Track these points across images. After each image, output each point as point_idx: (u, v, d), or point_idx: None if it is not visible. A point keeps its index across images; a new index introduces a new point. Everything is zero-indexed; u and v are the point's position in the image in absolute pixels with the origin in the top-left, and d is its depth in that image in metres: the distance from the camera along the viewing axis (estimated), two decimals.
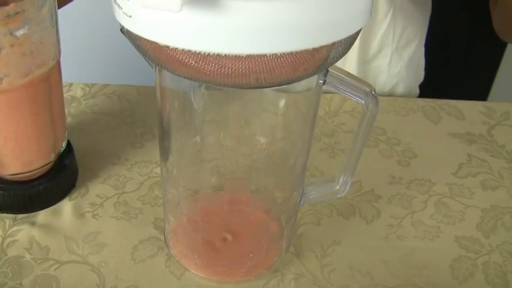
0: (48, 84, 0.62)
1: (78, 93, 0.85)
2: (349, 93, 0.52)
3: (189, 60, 0.41)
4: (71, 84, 0.87)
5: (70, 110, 0.82)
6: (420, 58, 0.99)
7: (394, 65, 0.95)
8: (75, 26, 1.86)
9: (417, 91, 1.01)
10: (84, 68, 1.97)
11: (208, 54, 0.39)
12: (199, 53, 0.40)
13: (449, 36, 1.05)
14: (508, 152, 0.81)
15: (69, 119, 0.80)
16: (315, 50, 0.41)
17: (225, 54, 0.39)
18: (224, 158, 0.63)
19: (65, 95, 0.69)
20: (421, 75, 1.01)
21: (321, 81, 0.51)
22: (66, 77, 0.67)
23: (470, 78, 1.08)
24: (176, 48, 0.40)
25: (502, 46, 1.08)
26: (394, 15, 0.90)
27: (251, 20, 0.37)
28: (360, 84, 0.52)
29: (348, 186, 0.60)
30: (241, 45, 0.39)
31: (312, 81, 0.51)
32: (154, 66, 0.49)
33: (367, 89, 0.52)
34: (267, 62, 0.40)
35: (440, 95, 0.93)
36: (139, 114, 0.82)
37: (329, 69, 0.51)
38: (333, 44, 0.42)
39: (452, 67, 1.07)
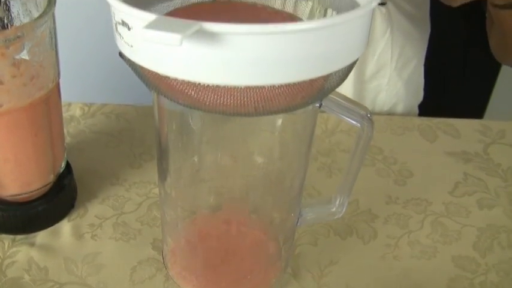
0: (47, 105, 0.63)
1: (77, 112, 0.86)
2: (345, 116, 0.53)
3: (188, 91, 0.42)
4: (69, 104, 0.87)
5: (69, 129, 0.83)
6: (419, 77, 1.00)
7: (393, 85, 0.96)
8: (74, 44, 1.87)
9: (416, 110, 1.02)
10: (83, 87, 1.98)
11: (208, 85, 0.40)
12: (199, 83, 0.40)
13: (446, 55, 1.05)
14: (504, 171, 0.81)
15: (68, 139, 0.80)
16: (312, 79, 0.41)
17: (224, 85, 0.40)
18: (222, 178, 0.64)
19: (63, 115, 0.69)
20: (420, 95, 1.02)
21: (317, 105, 0.52)
22: (64, 96, 0.67)
23: (467, 95, 1.09)
24: (176, 78, 0.41)
25: (498, 65, 1.09)
26: (392, 34, 0.91)
27: (249, 53, 0.38)
28: (355, 107, 0.52)
29: (344, 208, 0.60)
30: (240, 77, 0.39)
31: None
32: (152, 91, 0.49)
33: (363, 112, 0.53)
34: (265, 92, 0.41)
35: (437, 112, 0.93)
36: (138, 134, 0.83)
37: None
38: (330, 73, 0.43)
39: (449, 85, 1.07)
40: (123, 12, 0.40)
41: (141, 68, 0.43)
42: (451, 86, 1.10)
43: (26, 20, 0.65)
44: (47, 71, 0.60)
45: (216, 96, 0.41)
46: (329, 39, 0.40)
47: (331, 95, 0.52)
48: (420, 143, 0.85)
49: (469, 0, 0.64)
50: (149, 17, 0.37)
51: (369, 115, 0.53)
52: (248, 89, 0.41)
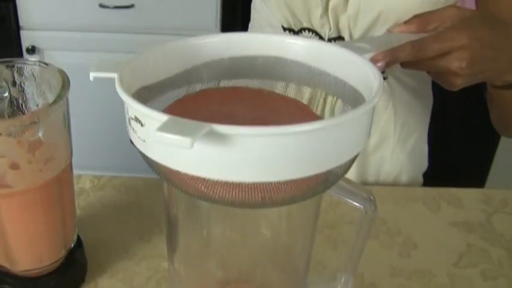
0: (59, 184, 0.65)
1: (87, 185, 0.88)
2: (348, 199, 0.54)
3: (198, 185, 0.44)
4: (80, 176, 0.89)
5: (79, 202, 0.84)
6: (422, 148, 1.02)
7: (396, 156, 0.97)
8: (84, 116, 1.91)
9: (421, 179, 1.03)
10: (93, 157, 2.01)
11: (216, 180, 0.42)
12: (208, 179, 0.42)
13: (447, 124, 1.07)
14: (507, 241, 0.82)
15: (78, 211, 0.82)
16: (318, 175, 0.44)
17: (232, 182, 0.42)
18: (230, 252, 0.65)
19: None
20: (424, 165, 1.03)
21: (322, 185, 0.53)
22: (74, 166, 0.69)
23: (469, 163, 1.11)
24: (186, 173, 0.43)
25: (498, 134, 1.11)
26: (395, 107, 0.93)
27: (256, 152, 0.40)
28: (358, 190, 0.54)
29: (349, 286, 0.61)
30: (247, 174, 0.41)
31: None
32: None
33: (366, 195, 0.54)
34: (271, 186, 0.43)
35: (440, 179, 0.95)
36: (147, 207, 0.84)
37: None
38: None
39: (451, 153, 1.10)
40: (137, 110, 0.43)
41: (153, 161, 0.45)
42: (452, 154, 1.12)
43: (40, 101, 0.67)
44: (61, 152, 0.62)
45: (224, 191, 0.43)
46: (333, 137, 0.42)
47: None
48: (424, 214, 0.87)
49: (468, 85, 0.66)
50: (161, 117, 0.40)
51: (371, 198, 0.54)
52: (255, 185, 0.43)
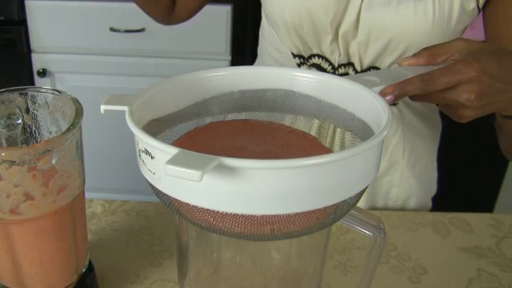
0: (72, 211, 0.65)
1: (98, 209, 0.89)
2: (358, 227, 0.55)
3: (207, 217, 0.44)
4: (91, 201, 0.90)
5: (90, 226, 0.85)
6: (432, 172, 1.02)
7: (405, 180, 0.98)
8: (95, 138, 1.93)
9: (430, 204, 1.04)
10: (104, 180, 2.03)
11: (226, 213, 0.43)
12: (218, 211, 0.43)
13: (456, 148, 1.08)
14: None
15: (89, 236, 0.83)
16: (327, 208, 0.44)
17: (242, 214, 0.43)
18: (240, 278, 0.66)
19: None
20: (433, 189, 1.04)
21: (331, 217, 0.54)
22: (86, 190, 0.70)
23: (478, 186, 1.11)
24: (196, 206, 0.43)
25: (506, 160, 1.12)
26: (404, 132, 0.94)
27: (265, 186, 0.41)
28: (367, 218, 0.55)
29: None
30: (256, 207, 0.42)
31: None
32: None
33: (375, 223, 0.55)
34: (281, 218, 0.43)
35: (449, 204, 0.95)
36: (157, 232, 0.85)
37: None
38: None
39: (460, 177, 1.10)
40: (147, 142, 0.43)
41: (163, 194, 0.45)
42: (461, 179, 1.12)
43: (53, 128, 0.68)
44: (74, 180, 0.63)
45: (233, 223, 0.44)
46: (344, 170, 0.43)
47: None
48: (433, 239, 0.87)
49: (477, 117, 0.66)
50: (172, 150, 0.40)
51: (381, 225, 0.55)
52: (265, 216, 0.43)
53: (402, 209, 1.00)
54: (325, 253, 0.61)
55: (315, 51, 0.88)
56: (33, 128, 0.69)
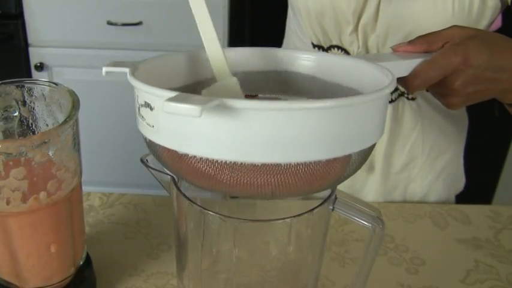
0: (69, 203, 0.65)
1: (96, 202, 0.89)
2: (357, 217, 0.55)
3: (206, 169, 0.44)
4: (89, 194, 0.90)
5: (88, 219, 0.85)
6: (457, 168, 1.01)
7: (424, 176, 0.97)
8: (93, 132, 1.92)
9: (453, 200, 1.03)
10: (101, 173, 2.02)
11: (225, 162, 0.42)
12: (217, 161, 0.42)
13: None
14: None
15: (87, 229, 0.83)
16: (329, 165, 0.43)
17: (241, 163, 0.42)
18: (239, 270, 0.65)
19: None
20: (459, 185, 1.03)
21: (330, 208, 0.54)
22: (83, 182, 0.69)
23: (476, 180, 1.11)
24: (194, 156, 0.43)
25: (504, 150, 1.12)
26: (423, 128, 0.93)
27: (267, 129, 0.40)
28: (366, 209, 0.55)
29: None
30: (256, 154, 0.41)
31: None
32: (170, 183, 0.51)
33: (374, 214, 0.55)
34: (282, 173, 0.43)
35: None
36: (155, 224, 0.85)
37: (337, 195, 0.54)
38: (346, 159, 0.45)
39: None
40: (147, 92, 0.43)
41: (163, 151, 0.45)
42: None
43: (49, 121, 0.68)
44: (71, 173, 0.63)
45: (233, 176, 0.43)
46: (345, 119, 0.42)
47: (343, 198, 0.54)
48: (431, 230, 0.87)
49: (466, 104, 0.67)
50: (172, 94, 0.40)
51: (380, 216, 0.55)
52: (265, 168, 0.42)
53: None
54: (324, 245, 0.61)
55: (334, 42, 0.88)
56: (30, 121, 0.68)
